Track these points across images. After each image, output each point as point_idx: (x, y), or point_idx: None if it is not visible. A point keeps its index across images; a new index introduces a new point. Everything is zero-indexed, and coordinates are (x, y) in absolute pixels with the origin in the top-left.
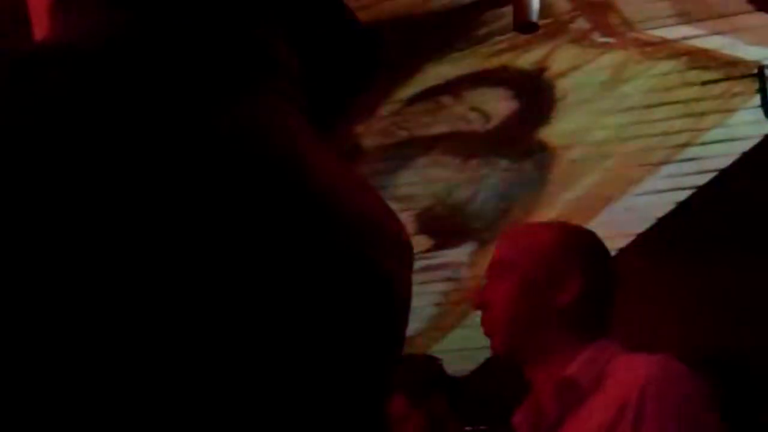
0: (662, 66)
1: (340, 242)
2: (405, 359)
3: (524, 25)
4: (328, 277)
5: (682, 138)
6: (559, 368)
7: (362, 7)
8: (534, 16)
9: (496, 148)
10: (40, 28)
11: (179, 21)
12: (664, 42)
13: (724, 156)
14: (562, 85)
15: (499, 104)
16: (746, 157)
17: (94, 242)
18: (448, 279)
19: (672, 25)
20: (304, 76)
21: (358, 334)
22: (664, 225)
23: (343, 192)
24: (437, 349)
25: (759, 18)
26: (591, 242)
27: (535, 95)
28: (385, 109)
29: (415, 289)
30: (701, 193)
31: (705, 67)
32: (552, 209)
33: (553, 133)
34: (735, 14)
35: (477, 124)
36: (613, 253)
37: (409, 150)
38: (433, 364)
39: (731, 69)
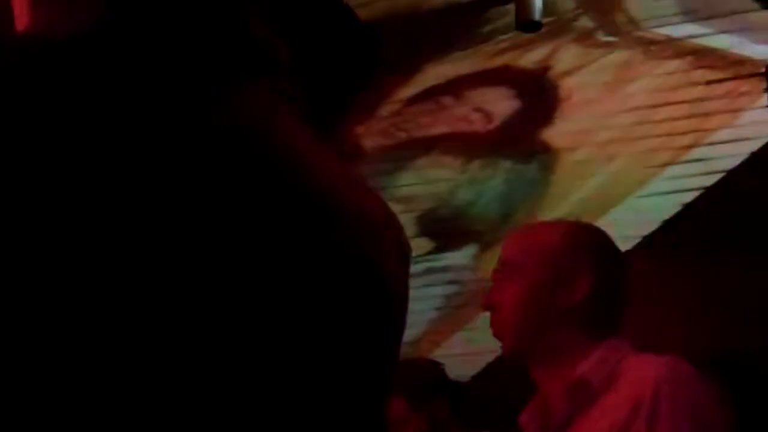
0: (668, 65)
1: (339, 242)
2: (406, 363)
3: (527, 24)
4: (327, 277)
5: (688, 138)
6: (569, 368)
7: (362, 5)
8: (537, 14)
9: (499, 149)
10: (22, 21)
11: (169, 15)
12: (669, 41)
13: (731, 156)
14: (566, 85)
15: (501, 104)
16: (754, 158)
17: (87, 241)
18: (450, 282)
19: (677, 23)
20: (303, 75)
21: (356, 334)
22: (671, 227)
23: (342, 192)
24: (439, 353)
25: (766, 16)
26: (600, 240)
27: (538, 95)
28: (384, 110)
29: (416, 292)
30: (708, 194)
31: (711, 66)
32: (556, 211)
33: (556, 133)
34: (742, 12)
35: (479, 125)
36: None
37: (409, 151)
38: (434, 368)
39: (738, 68)
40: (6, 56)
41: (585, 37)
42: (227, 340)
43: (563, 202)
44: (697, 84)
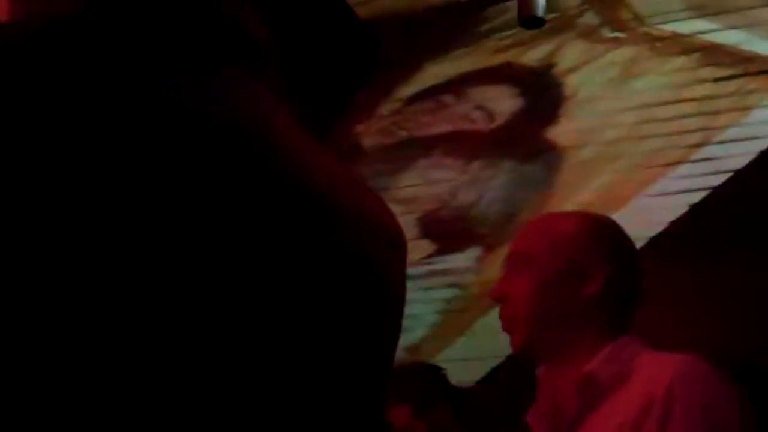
0: (675, 62)
1: (337, 241)
2: (408, 368)
3: (530, 20)
4: (324, 276)
5: (696, 137)
6: (579, 365)
7: (361, 3)
8: (540, 10)
9: (501, 148)
10: (1, 12)
11: (158, 6)
12: (676, 37)
13: (740, 156)
14: (570, 83)
15: (503, 103)
16: (763, 157)
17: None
18: (452, 285)
19: (685, 19)
20: (301, 74)
21: (352, 333)
22: (678, 228)
23: (340, 191)
24: (441, 359)
25: None
26: (615, 232)
27: (542, 93)
28: (384, 109)
29: (417, 296)
30: (716, 194)
31: (720, 64)
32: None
33: (560, 132)
34: (751, 8)
35: (481, 124)
36: None
37: (409, 151)
38: (436, 373)
39: (747, 65)
40: None
41: (589, 34)
42: (224, 338)
43: (568, 203)
44: (704, 81)
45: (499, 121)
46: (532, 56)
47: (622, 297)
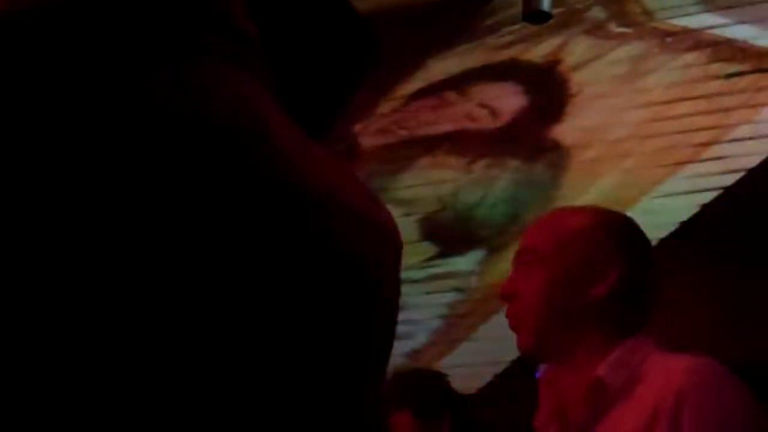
0: (684, 58)
1: (326, 237)
2: (409, 375)
3: (535, 15)
4: (312, 272)
5: (706, 135)
6: (588, 368)
7: None
8: (545, 4)
9: (505, 147)
10: None
11: None
12: (686, 32)
13: (751, 155)
14: (576, 80)
15: (507, 100)
16: None
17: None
18: (455, 289)
19: (695, 13)
20: (299, 72)
21: (342, 332)
22: (688, 229)
23: (330, 185)
24: (443, 365)
25: None
26: (628, 228)
27: (547, 90)
28: (385, 107)
29: (419, 300)
30: (727, 194)
31: (731, 59)
32: None
33: (566, 131)
34: (762, 2)
35: (484, 122)
36: None
37: (410, 150)
38: (439, 380)
39: (759, 61)
40: None
41: (596, 29)
42: (214, 336)
43: (573, 203)
44: (715, 78)
45: (503, 119)
46: (537, 52)
47: (635, 295)
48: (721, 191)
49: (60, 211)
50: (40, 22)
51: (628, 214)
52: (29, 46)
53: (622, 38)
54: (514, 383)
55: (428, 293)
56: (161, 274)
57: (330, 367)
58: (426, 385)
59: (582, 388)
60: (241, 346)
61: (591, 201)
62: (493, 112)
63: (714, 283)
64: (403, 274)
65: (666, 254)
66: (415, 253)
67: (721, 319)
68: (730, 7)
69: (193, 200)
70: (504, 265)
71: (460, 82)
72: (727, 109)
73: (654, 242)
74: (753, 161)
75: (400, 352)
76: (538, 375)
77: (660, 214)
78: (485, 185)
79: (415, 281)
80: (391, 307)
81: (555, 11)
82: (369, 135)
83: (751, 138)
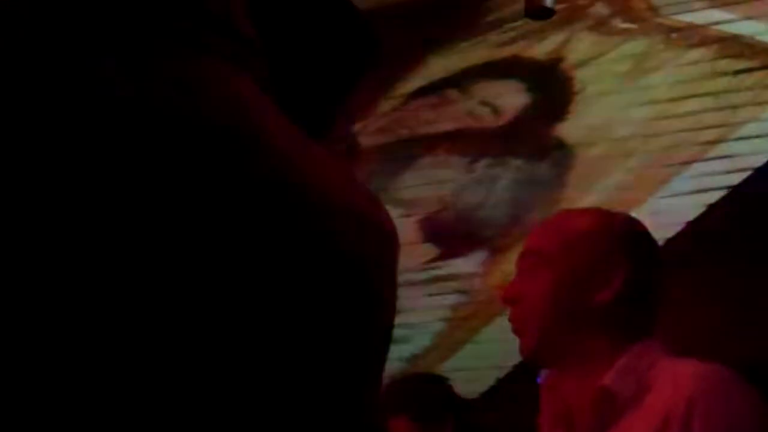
0: (691, 54)
1: (323, 236)
2: (411, 379)
3: (537, 11)
4: (309, 272)
5: (713, 133)
6: (595, 374)
7: None
8: (548, 0)
9: (508, 146)
10: None
11: None
12: (692, 28)
13: (758, 153)
14: (580, 77)
15: (510, 98)
16: None
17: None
18: (457, 291)
19: (701, 9)
20: (291, 66)
21: (339, 331)
22: (694, 229)
23: (327, 185)
24: (445, 369)
25: None
26: (635, 230)
27: (550, 88)
28: (384, 105)
29: (420, 302)
30: (734, 194)
31: (738, 55)
32: None
33: (569, 129)
34: None
35: (486, 121)
36: None
37: (411, 149)
38: (440, 384)
39: (767, 57)
40: None
41: (600, 25)
42: (211, 335)
43: (577, 204)
44: (722, 75)
45: (506, 117)
46: (540, 49)
47: (642, 299)
48: (728, 190)
49: (59, 210)
50: (39, 21)
51: (634, 214)
52: (29, 45)
53: (627, 34)
54: (518, 388)
55: (430, 295)
56: (160, 274)
57: (330, 367)
58: (427, 390)
59: (588, 396)
60: (240, 346)
61: (595, 201)
62: (495, 111)
63: (722, 282)
64: (404, 276)
65: (673, 255)
66: (416, 255)
67: (728, 319)
68: (737, 3)
69: (193, 200)
70: (507, 266)
71: (461, 80)
72: (734, 107)
73: (660, 242)
74: (760, 160)
75: (400, 355)
76: (539, 380)
77: (666, 214)
78: (487, 185)
79: (416, 283)
80: (390, 307)
81: (558, 7)
82: (368, 134)
83: (758, 136)
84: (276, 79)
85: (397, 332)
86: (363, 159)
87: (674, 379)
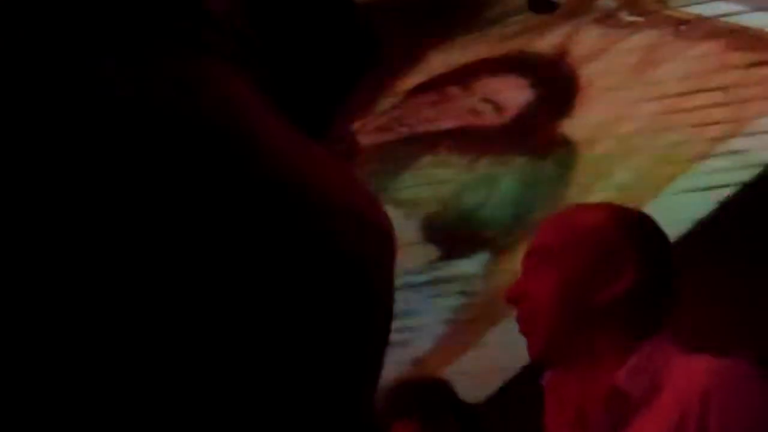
0: (699, 47)
1: (322, 237)
2: (413, 383)
3: (541, 4)
4: (308, 273)
5: (723, 129)
6: (606, 374)
7: None
8: None
9: (511, 144)
10: None
11: None
12: (701, 20)
13: None
14: (586, 72)
15: (513, 94)
16: None
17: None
18: (459, 293)
19: (710, 0)
20: (290, 65)
21: (337, 332)
22: (704, 227)
23: (326, 185)
24: (448, 372)
25: None
26: (645, 225)
27: (555, 83)
28: (384, 103)
29: (422, 305)
30: (745, 190)
31: (748, 48)
32: None
33: (575, 126)
34: None
35: (488, 118)
36: None
37: (411, 148)
38: (443, 388)
39: None
40: None
41: (607, 18)
42: (210, 336)
43: (584, 202)
44: (732, 68)
45: (509, 114)
46: (544, 43)
47: (653, 296)
48: (739, 187)
49: (59, 210)
50: (39, 21)
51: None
52: (29, 45)
53: (634, 27)
54: (524, 391)
55: (431, 297)
56: (160, 274)
57: (329, 367)
58: (429, 393)
59: (600, 396)
60: (239, 346)
61: (601, 199)
62: (498, 107)
63: (732, 280)
64: (406, 278)
65: (683, 253)
66: (417, 256)
67: (729, 319)
68: None
69: (193, 200)
70: (511, 267)
71: (462, 76)
72: (744, 101)
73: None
74: None
75: (403, 359)
76: (542, 381)
77: (675, 211)
78: (490, 184)
79: (418, 285)
80: (389, 308)
81: (562, 0)
82: (368, 133)
83: None
84: (276, 79)
85: (399, 335)
86: (363, 158)
87: (688, 375)
